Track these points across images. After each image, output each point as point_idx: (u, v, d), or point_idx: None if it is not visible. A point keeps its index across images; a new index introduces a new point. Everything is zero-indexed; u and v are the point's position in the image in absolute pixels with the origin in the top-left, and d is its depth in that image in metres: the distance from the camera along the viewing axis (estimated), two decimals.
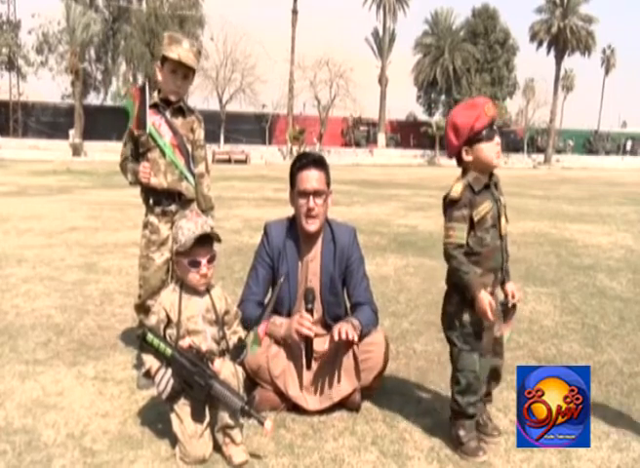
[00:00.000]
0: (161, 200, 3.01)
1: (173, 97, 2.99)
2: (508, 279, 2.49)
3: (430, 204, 12.34)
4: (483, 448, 2.38)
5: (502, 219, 2.37)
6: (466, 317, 2.34)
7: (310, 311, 2.66)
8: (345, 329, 2.56)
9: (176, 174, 3.00)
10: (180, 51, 2.88)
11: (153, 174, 2.96)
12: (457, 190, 2.29)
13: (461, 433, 2.39)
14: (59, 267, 5.54)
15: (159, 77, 3.00)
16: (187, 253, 2.31)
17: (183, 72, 2.95)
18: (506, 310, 2.48)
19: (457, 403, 2.40)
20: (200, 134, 3.11)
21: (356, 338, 2.59)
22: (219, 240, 2.38)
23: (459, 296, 2.35)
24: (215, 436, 2.36)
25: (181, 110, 3.04)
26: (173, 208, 3.03)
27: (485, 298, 2.24)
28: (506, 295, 2.48)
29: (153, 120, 2.94)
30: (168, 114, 2.99)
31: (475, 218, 2.29)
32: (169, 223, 3.03)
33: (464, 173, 2.36)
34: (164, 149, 2.97)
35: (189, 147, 3.05)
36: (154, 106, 2.96)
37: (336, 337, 2.55)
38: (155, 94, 3.01)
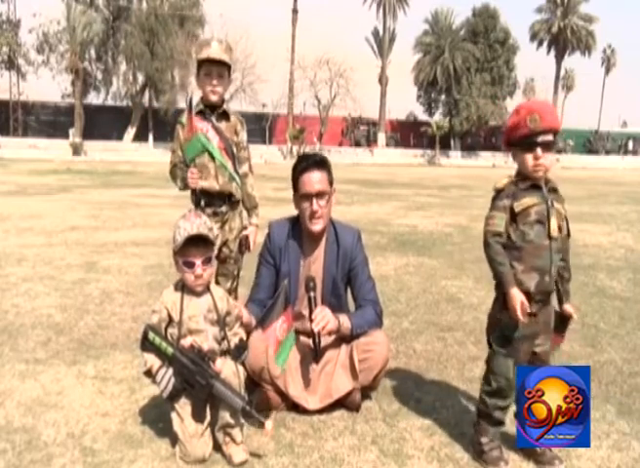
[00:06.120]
0: (213, 202, 3.11)
1: (213, 97, 3.05)
2: (567, 300, 2.37)
3: (430, 203, 12.35)
4: (505, 459, 2.30)
5: (553, 220, 2.24)
6: (505, 319, 2.25)
7: (312, 300, 2.64)
8: (327, 320, 2.57)
9: (226, 175, 3.11)
10: (209, 51, 2.97)
11: (204, 177, 3.06)
12: (502, 182, 2.28)
13: (483, 440, 2.32)
14: (59, 266, 5.54)
15: (198, 85, 3.09)
16: (182, 253, 2.30)
17: (217, 71, 3.03)
18: (560, 323, 2.37)
19: (484, 403, 2.34)
20: (243, 135, 3.21)
21: (329, 328, 2.59)
22: (212, 243, 2.35)
23: (502, 297, 2.26)
24: (215, 435, 2.36)
25: (226, 114, 3.12)
26: (224, 209, 3.14)
27: (517, 296, 2.16)
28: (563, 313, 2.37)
29: (201, 126, 3.04)
30: (214, 119, 3.09)
31: (516, 209, 2.22)
32: (219, 223, 3.15)
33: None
34: (213, 153, 3.06)
35: (234, 149, 3.14)
36: (200, 113, 3.06)
37: (314, 327, 2.55)
38: (197, 102, 3.11)
